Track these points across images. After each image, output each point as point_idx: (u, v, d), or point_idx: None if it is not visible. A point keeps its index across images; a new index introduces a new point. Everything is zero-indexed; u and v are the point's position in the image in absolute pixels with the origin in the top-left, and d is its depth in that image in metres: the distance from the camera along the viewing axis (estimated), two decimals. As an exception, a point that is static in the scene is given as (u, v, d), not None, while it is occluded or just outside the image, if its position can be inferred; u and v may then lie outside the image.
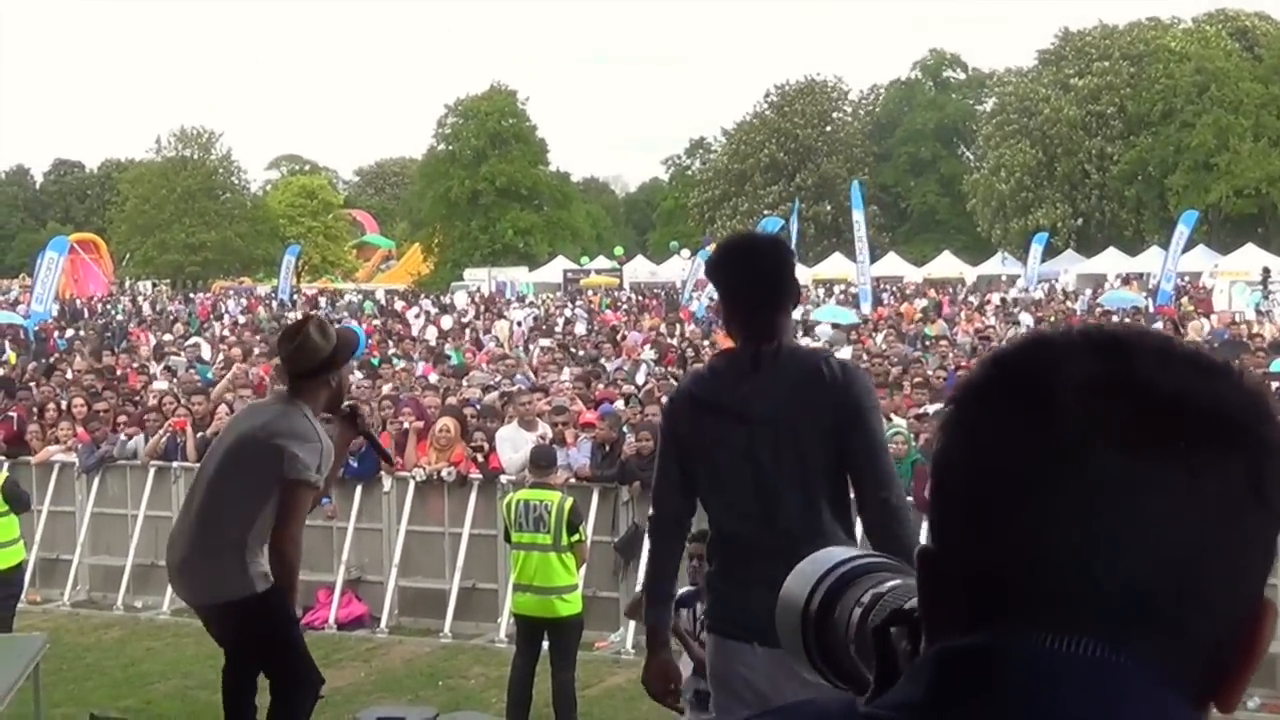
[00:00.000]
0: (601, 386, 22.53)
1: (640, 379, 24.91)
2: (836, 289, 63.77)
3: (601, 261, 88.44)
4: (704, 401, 6.03)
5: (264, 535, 8.50)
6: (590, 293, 70.36)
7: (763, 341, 5.93)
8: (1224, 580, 1.42)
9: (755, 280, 6.02)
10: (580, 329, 43.77)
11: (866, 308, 42.83)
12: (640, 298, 65.13)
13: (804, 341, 29.56)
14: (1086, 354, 1.46)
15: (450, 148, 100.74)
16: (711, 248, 50.22)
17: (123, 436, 19.17)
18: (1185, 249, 57.04)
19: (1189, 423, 1.41)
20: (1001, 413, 1.46)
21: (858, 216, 44.22)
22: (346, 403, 9.23)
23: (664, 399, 12.65)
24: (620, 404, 19.51)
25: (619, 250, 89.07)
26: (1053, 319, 40.55)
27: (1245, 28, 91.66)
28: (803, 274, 62.02)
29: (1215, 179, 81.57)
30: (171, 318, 51.98)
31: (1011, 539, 1.42)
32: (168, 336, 41.16)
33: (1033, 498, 1.41)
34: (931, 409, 18.34)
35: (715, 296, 33.63)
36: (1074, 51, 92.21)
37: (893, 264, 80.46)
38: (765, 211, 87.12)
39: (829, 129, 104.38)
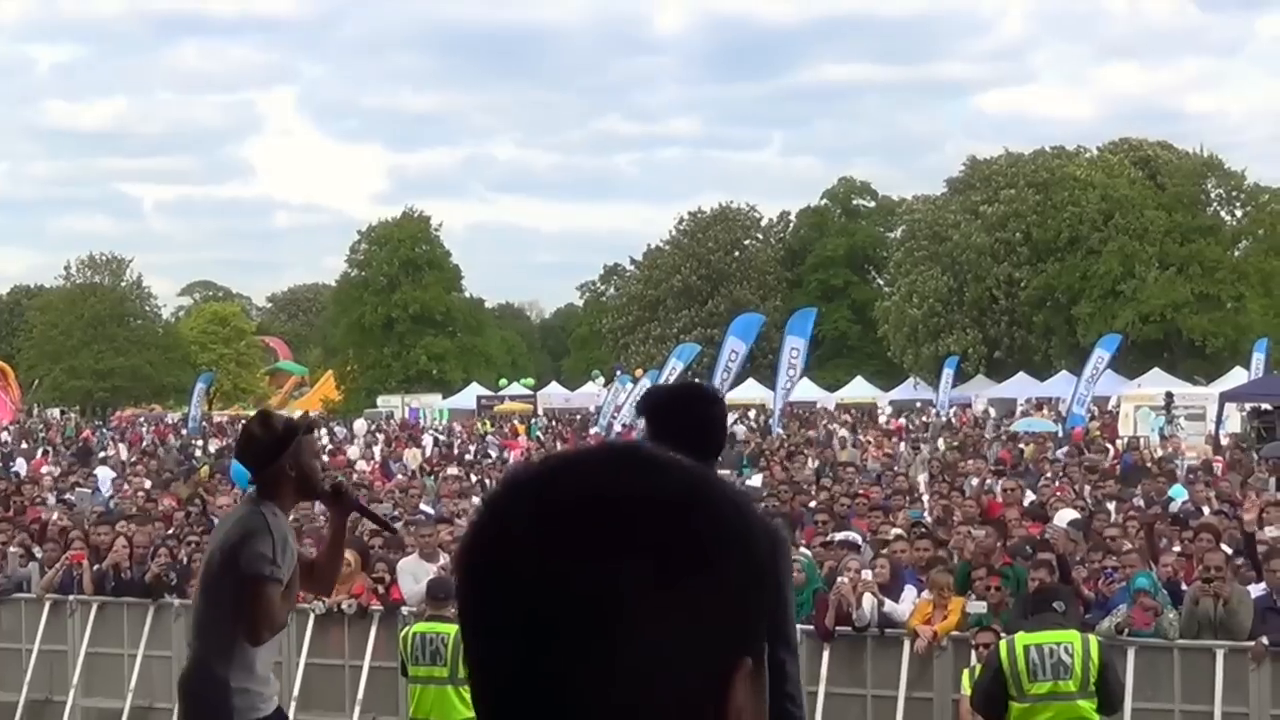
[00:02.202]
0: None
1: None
2: (751, 414, 63.97)
3: (516, 388, 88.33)
4: None
5: (250, 663, 8.16)
6: (513, 420, 70.08)
7: None
8: (686, 670, 1.51)
9: (688, 429, 5.99)
10: (492, 455, 43.61)
11: (779, 432, 42.84)
12: (554, 424, 65.03)
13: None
14: (536, 481, 1.57)
15: (363, 274, 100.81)
16: (639, 374, 49.99)
17: (17, 565, 18.86)
18: (1103, 371, 57.51)
19: (604, 522, 1.50)
20: (477, 554, 1.57)
21: (798, 343, 43.93)
22: (329, 482, 8.97)
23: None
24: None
25: (529, 381, 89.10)
26: (958, 445, 40.78)
27: (1148, 157, 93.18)
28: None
29: (1122, 305, 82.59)
30: (76, 445, 51.41)
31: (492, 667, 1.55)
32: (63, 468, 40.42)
33: (505, 628, 1.52)
34: (838, 536, 18.31)
35: (627, 425, 33.65)
36: (981, 179, 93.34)
37: (805, 389, 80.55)
38: (681, 337, 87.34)
39: (741, 255, 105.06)
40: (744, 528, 1.57)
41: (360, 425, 59.29)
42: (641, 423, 6.47)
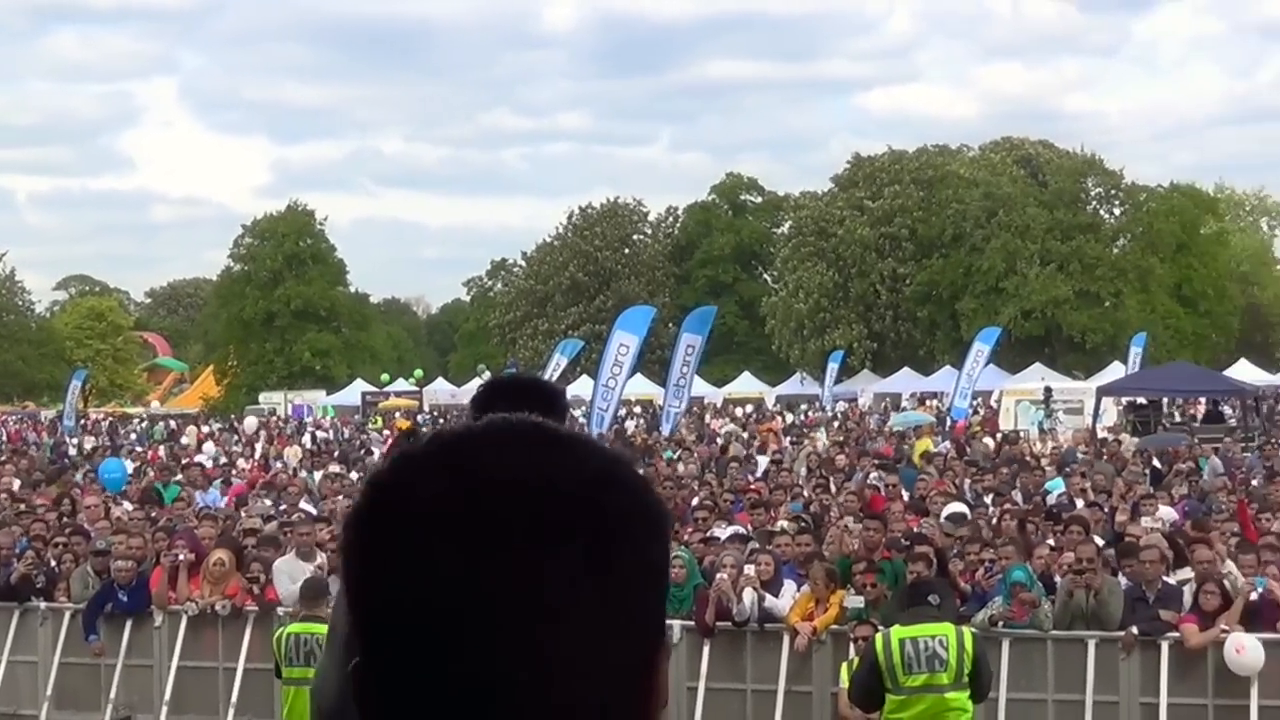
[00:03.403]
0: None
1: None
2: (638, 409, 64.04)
3: (401, 384, 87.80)
4: None
5: None
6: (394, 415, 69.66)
7: None
8: (613, 653, 1.47)
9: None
10: (375, 452, 43.29)
11: (669, 428, 42.79)
12: (439, 420, 64.72)
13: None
14: (443, 462, 1.49)
15: (246, 268, 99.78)
16: (518, 369, 49.90)
17: None
18: (984, 365, 58.12)
19: (530, 508, 1.44)
20: (373, 541, 1.48)
21: (694, 341, 43.74)
22: None
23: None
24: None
25: (419, 373, 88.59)
26: (843, 439, 40.94)
27: (1029, 155, 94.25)
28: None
29: (1004, 301, 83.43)
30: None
31: (409, 659, 1.45)
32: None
33: (417, 615, 1.43)
34: (723, 533, 18.34)
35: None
36: (865, 176, 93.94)
37: (693, 385, 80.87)
38: (569, 332, 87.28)
39: (629, 251, 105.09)
40: (658, 506, 1.55)
41: (251, 423, 58.76)
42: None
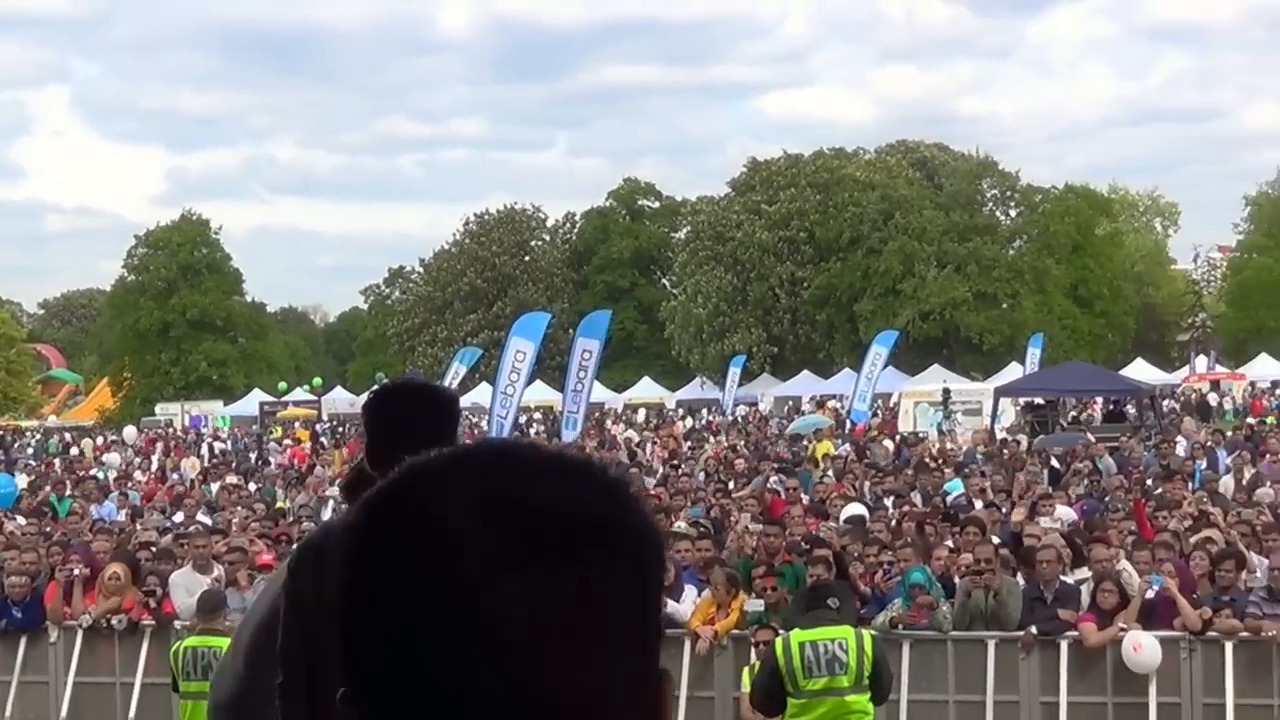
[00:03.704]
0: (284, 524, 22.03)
1: (326, 515, 24.42)
2: (536, 417, 63.93)
3: (299, 393, 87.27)
4: (324, 554, 5.22)
5: None
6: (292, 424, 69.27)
7: None
8: (631, 672, 1.46)
9: (396, 429, 5.35)
10: (274, 464, 43.04)
11: (572, 434, 42.64)
12: (338, 429, 64.35)
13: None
14: (461, 477, 1.46)
15: (140, 278, 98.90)
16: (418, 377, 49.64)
17: None
18: (882, 368, 58.46)
19: (566, 531, 1.43)
20: (389, 555, 1.44)
21: (591, 345, 43.59)
22: None
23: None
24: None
25: (317, 381, 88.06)
26: (742, 444, 41.05)
27: (925, 158, 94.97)
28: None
29: (902, 303, 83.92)
30: None
31: (427, 679, 1.40)
32: None
33: (440, 632, 1.39)
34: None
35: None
36: (762, 180, 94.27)
37: (593, 390, 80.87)
38: (468, 339, 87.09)
39: (527, 257, 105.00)
40: (658, 527, 1.54)
41: (130, 432, 58.13)
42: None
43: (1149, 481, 23.74)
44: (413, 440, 5.19)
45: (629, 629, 1.46)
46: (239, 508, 25.82)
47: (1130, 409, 46.29)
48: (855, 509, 20.17)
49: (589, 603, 1.42)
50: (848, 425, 49.97)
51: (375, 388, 6.51)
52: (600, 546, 1.45)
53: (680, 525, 18.87)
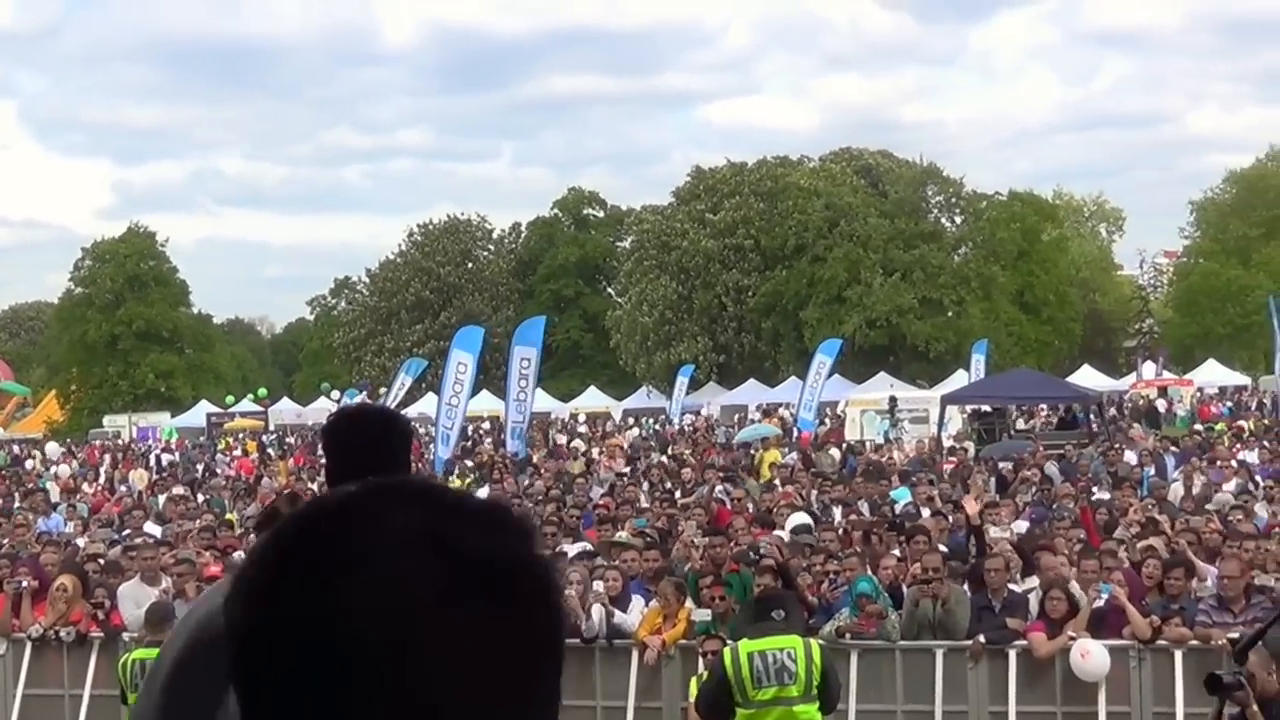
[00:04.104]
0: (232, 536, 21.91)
1: (274, 527, 24.29)
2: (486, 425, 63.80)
3: (247, 404, 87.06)
4: None
5: None
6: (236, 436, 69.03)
7: None
8: (541, 706, 1.50)
9: (356, 453, 5.77)
10: (221, 475, 42.84)
11: (519, 445, 42.61)
12: (285, 440, 64.19)
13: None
14: (398, 511, 1.47)
15: (87, 291, 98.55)
16: (366, 389, 49.66)
17: None
18: (827, 377, 58.54)
19: (491, 576, 1.45)
20: (320, 577, 1.44)
21: (528, 353, 43.60)
22: None
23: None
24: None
25: (262, 391, 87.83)
26: (689, 453, 41.07)
27: (870, 165, 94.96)
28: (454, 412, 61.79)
29: (848, 311, 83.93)
30: None
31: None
32: None
33: (358, 669, 1.40)
34: (572, 550, 18.30)
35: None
36: (706, 189, 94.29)
37: (539, 400, 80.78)
38: (415, 350, 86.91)
39: (473, 267, 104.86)
40: (550, 564, 1.59)
41: (52, 449, 57.65)
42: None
43: (1094, 490, 23.82)
44: (374, 467, 5.36)
45: (538, 668, 1.50)
46: (185, 520, 25.71)
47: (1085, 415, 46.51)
48: (800, 518, 20.19)
49: (504, 642, 1.45)
50: (795, 433, 50.03)
51: (334, 413, 6.70)
52: (517, 589, 1.47)
53: (623, 535, 18.87)
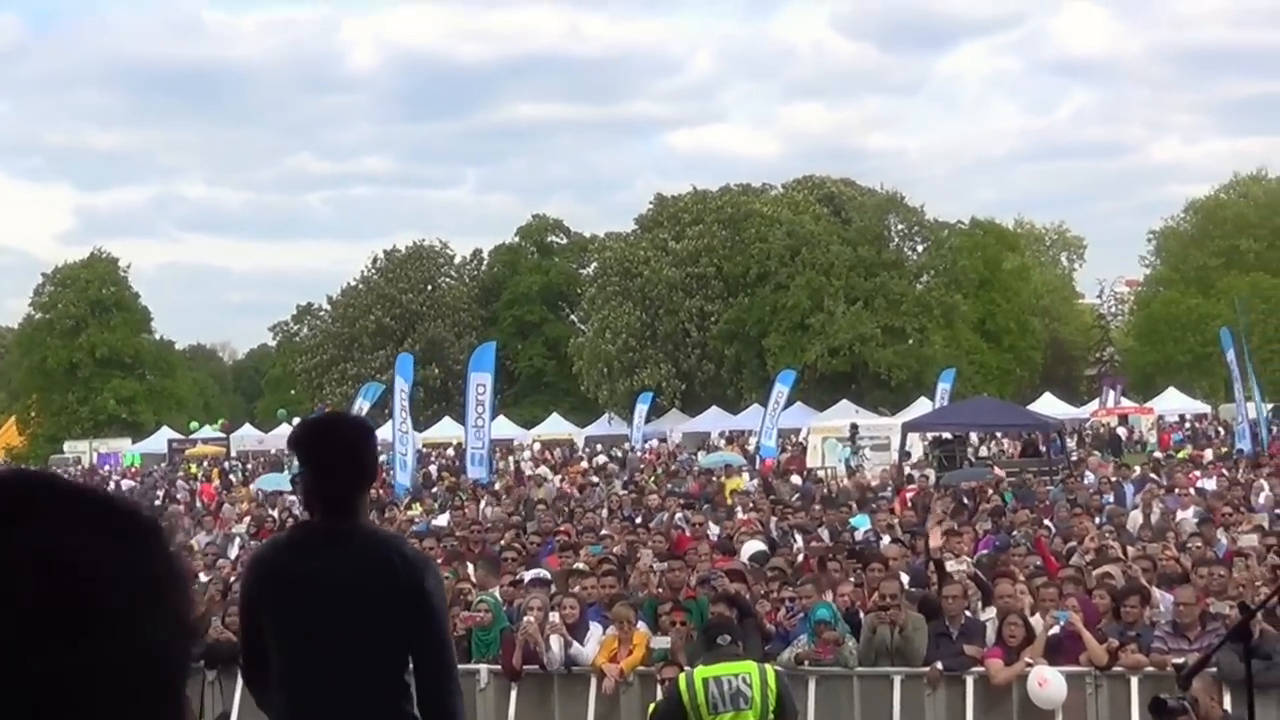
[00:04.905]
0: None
1: (233, 553, 24.25)
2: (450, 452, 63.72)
3: (208, 431, 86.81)
4: (278, 569, 6.23)
5: None
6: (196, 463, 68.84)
7: (340, 519, 6.15)
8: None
9: (338, 459, 6.21)
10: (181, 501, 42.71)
11: (480, 471, 42.53)
12: (246, 466, 64.02)
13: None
14: None
15: (47, 316, 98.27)
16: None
17: None
18: (784, 407, 58.63)
19: (85, 587, 1.34)
20: None
21: (483, 379, 43.69)
22: None
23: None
24: (203, 578, 18.95)
25: (220, 421, 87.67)
26: (654, 480, 41.08)
27: (832, 194, 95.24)
28: (413, 439, 61.67)
29: (810, 338, 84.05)
30: None
31: None
32: None
33: None
34: (528, 575, 18.24)
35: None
36: (669, 217, 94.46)
37: (502, 427, 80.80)
38: (377, 376, 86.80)
39: (435, 293, 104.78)
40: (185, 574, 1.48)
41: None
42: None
43: (1047, 521, 23.84)
44: (354, 474, 5.61)
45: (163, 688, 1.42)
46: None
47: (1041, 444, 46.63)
48: (757, 545, 20.18)
49: (127, 662, 1.37)
50: (757, 461, 50.07)
51: (305, 423, 7.23)
52: (134, 604, 1.38)
53: (580, 565, 18.83)
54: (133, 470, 65.99)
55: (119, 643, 1.36)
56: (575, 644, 15.34)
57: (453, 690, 6.27)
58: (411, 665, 6.17)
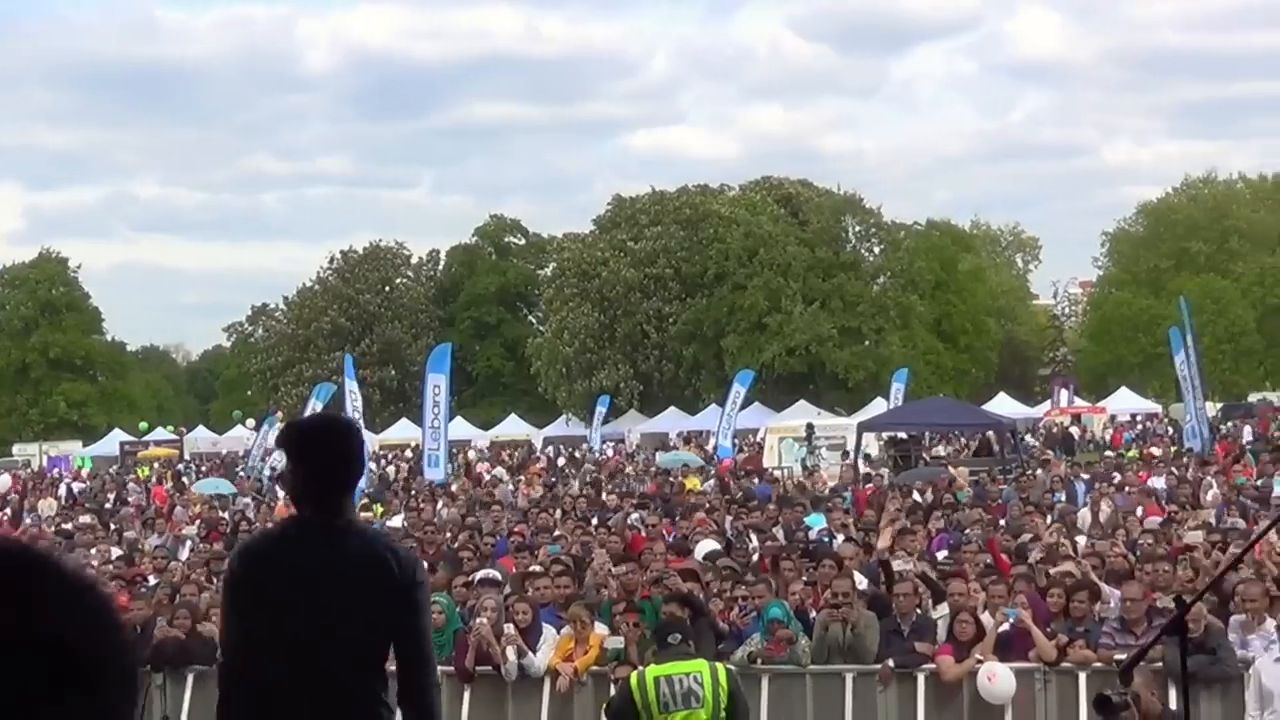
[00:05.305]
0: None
1: (183, 555, 24.15)
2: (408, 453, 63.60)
3: (161, 433, 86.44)
4: (277, 560, 6.39)
5: None
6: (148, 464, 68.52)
7: (333, 515, 6.34)
8: None
9: (332, 460, 6.42)
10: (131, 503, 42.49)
11: (437, 473, 42.45)
12: (200, 469, 63.77)
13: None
14: None
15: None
16: (279, 416, 49.43)
17: None
18: (741, 407, 58.71)
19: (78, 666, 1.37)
20: None
21: (439, 380, 43.71)
22: None
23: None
24: (152, 580, 18.89)
25: (170, 425, 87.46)
26: (595, 480, 41.12)
27: (790, 194, 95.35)
28: (369, 440, 61.58)
29: (767, 339, 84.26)
30: None
31: None
32: None
33: None
34: (479, 575, 18.20)
35: (277, 466, 33.45)
36: (627, 218, 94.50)
37: (459, 428, 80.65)
38: (335, 377, 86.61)
39: (392, 294, 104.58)
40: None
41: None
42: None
43: (1001, 520, 23.94)
44: (323, 469, 5.73)
45: None
46: (93, 549, 25.47)
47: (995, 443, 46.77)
48: (710, 545, 20.21)
49: None
50: (714, 461, 50.13)
51: (299, 424, 7.70)
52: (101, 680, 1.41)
53: (535, 567, 18.82)
54: (84, 473, 65.57)
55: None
56: (529, 653, 15.29)
57: (434, 684, 6.60)
58: (395, 657, 6.38)
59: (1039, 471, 35.68)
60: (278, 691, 6.28)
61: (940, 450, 51.52)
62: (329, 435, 6.66)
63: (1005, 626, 14.51)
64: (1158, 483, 31.20)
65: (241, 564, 6.63)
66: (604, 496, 32.94)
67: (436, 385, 42.81)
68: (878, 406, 64.07)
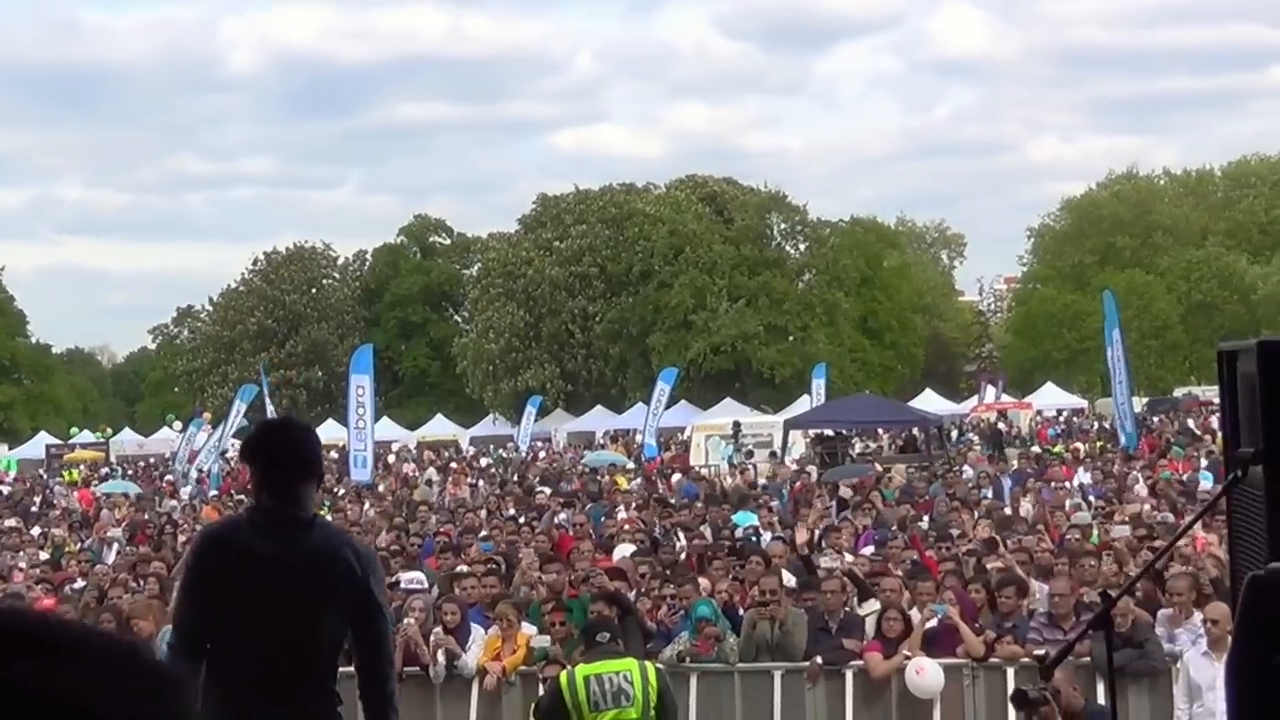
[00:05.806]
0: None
1: (109, 559, 23.98)
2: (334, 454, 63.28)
3: (87, 435, 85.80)
4: (247, 548, 6.58)
5: None
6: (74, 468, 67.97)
7: (296, 508, 6.61)
8: None
9: (289, 452, 6.73)
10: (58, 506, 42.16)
11: (363, 474, 42.31)
12: (127, 472, 63.29)
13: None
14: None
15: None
16: (205, 418, 49.20)
17: None
18: (668, 405, 58.76)
19: None
20: None
21: (363, 381, 43.58)
22: None
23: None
24: (79, 584, 18.76)
25: (96, 428, 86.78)
26: (520, 479, 41.15)
27: (715, 193, 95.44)
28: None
29: (693, 337, 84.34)
30: None
31: None
32: None
33: None
34: (404, 577, 18.15)
35: (204, 470, 33.28)
36: (552, 217, 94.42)
37: (385, 428, 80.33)
38: (257, 378, 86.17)
39: (318, 295, 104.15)
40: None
41: None
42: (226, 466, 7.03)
43: (926, 516, 24.08)
44: (290, 467, 6.43)
45: None
46: (20, 552, 25.28)
47: (920, 439, 47.06)
48: (629, 549, 20.22)
49: None
50: (641, 460, 50.17)
51: (264, 425, 8.27)
52: None
53: (462, 567, 18.78)
54: (9, 476, 65.00)
55: None
56: (461, 654, 15.25)
57: (391, 674, 6.93)
58: (355, 653, 6.82)
59: (966, 468, 35.91)
60: (228, 674, 6.40)
61: (861, 446, 51.70)
62: (285, 431, 7.03)
63: (933, 622, 14.57)
64: (1084, 478, 31.47)
65: (209, 550, 6.87)
66: (532, 498, 32.90)
67: (360, 386, 42.66)
68: (804, 404, 64.20)
